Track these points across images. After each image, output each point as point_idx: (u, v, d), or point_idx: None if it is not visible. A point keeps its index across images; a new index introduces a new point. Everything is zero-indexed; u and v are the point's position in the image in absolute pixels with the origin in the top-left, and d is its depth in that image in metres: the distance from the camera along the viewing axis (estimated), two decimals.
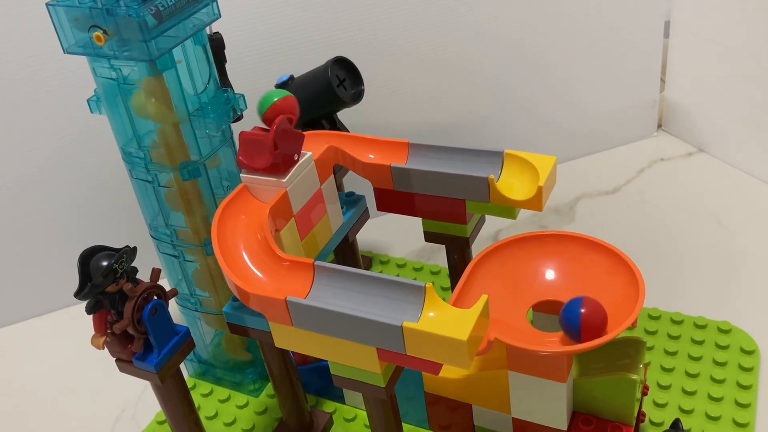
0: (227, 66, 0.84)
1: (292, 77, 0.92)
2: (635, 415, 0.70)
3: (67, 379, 0.95)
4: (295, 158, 0.70)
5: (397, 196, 0.78)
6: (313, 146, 0.75)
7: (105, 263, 0.64)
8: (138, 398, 0.91)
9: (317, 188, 0.74)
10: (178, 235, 0.79)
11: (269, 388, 0.88)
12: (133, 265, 0.67)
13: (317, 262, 0.62)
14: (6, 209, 1.00)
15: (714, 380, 0.79)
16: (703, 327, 0.85)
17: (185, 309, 0.85)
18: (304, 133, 0.77)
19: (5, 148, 0.96)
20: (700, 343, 0.84)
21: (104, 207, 1.03)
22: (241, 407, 0.86)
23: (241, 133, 0.68)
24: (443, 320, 0.56)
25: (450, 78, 1.10)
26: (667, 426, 0.75)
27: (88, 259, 0.65)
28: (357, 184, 0.96)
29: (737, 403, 0.77)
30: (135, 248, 0.66)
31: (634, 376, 0.66)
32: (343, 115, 0.95)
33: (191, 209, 0.77)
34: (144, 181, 0.77)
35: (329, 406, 0.85)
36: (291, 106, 0.70)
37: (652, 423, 0.76)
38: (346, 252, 0.85)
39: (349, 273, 0.61)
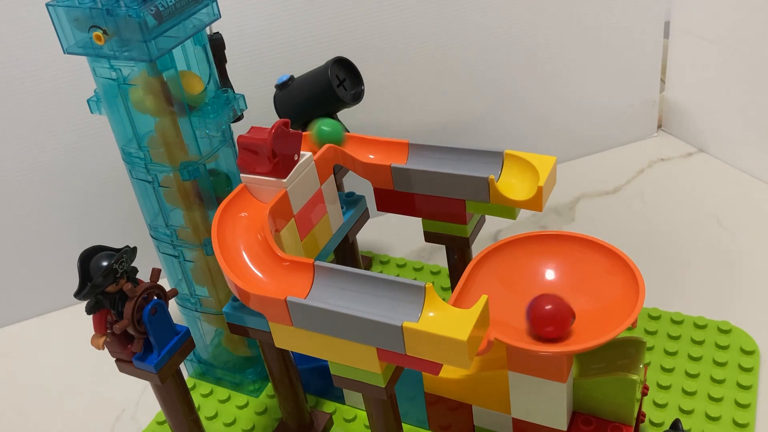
0: (227, 66, 0.84)
1: (292, 77, 0.92)
2: (635, 415, 0.70)
3: (67, 379, 0.95)
4: (295, 158, 0.70)
5: (397, 196, 0.78)
6: (313, 146, 0.75)
7: (105, 263, 0.64)
8: (138, 398, 0.91)
9: (317, 188, 0.74)
10: (178, 235, 0.79)
11: (269, 388, 0.88)
12: (133, 265, 0.67)
13: (317, 262, 0.62)
14: (6, 209, 1.00)
15: (714, 380, 0.79)
16: (703, 327, 0.85)
17: (185, 309, 0.85)
18: (304, 133, 0.77)
19: (5, 148, 0.96)
20: (700, 343, 0.84)
21: (104, 207, 1.03)
22: (241, 407, 0.86)
23: (239, 138, 0.68)
24: (443, 320, 0.56)
25: (450, 78, 1.10)
26: (667, 426, 0.75)
27: (88, 259, 0.65)
28: (357, 184, 0.96)
29: (737, 404, 0.77)
30: (135, 248, 0.66)
31: (634, 377, 0.66)
32: (343, 115, 0.95)
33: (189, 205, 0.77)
34: (144, 181, 0.77)
35: (329, 406, 0.85)
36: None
37: (652, 423, 0.76)
38: (346, 252, 0.85)
39: (349, 273, 0.61)
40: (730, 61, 1.09)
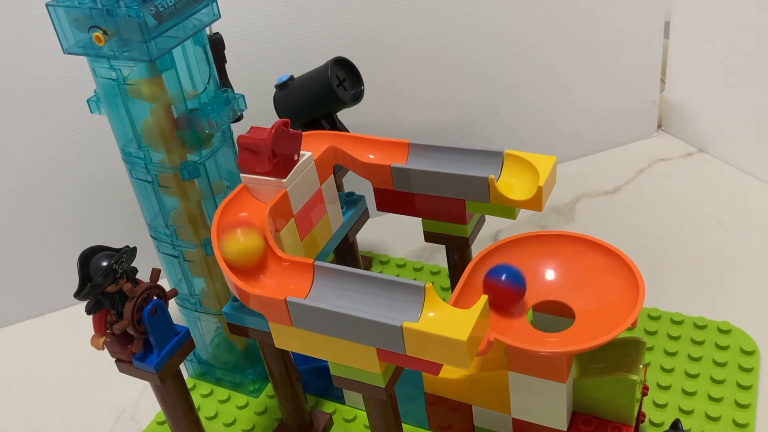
0: (227, 66, 0.84)
1: (292, 77, 0.92)
2: (635, 415, 0.70)
3: (67, 379, 0.95)
4: (295, 158, 0.70)
5: (397, 196, 0.78)
6: (313, 146, 0.75)
7: (105, 263, 0.64)
8: (138, 398, 0.91)
9: (317, 188, 0.74)
10: (178, 235, 0.79)
11: (269, 388, 0.88)
12: (133, 265, 0.67)
13: (317, 262, 0.62)
14: (6, 209, 1.00)
15: (714, 381, 0.79)
16: (702, 327, 0.85)
17: (185, 309, 0.85)
18: (304, 133, 0.77)
19: (5, 148, 0.96)
20: (700, 343, 0.84)
21: (104, 207, 1.03)
22: (241, 408, 0.86)
23: (239, 138, 0.68)
24: (443, 320, 0.56)
25: (450, 78, 1.10)
26: (667, 426, 0.75)
27: (87, 259, 0.65)
28: (357, 184, 0.96)
29: (737, 404, 0.77)
30: (135, 248, 0.66)
31: (634, 377, 0.66)
32: (343, 115, 0.95)
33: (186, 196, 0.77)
34: (144, 181, 0.77)
35: (329, 406, 0.85)
36: None
37: (652, 423, 0.76)
38: (346, 252, 0.85)
39: (349, 273, 0.61)
40: (730, 61, 1.09)
